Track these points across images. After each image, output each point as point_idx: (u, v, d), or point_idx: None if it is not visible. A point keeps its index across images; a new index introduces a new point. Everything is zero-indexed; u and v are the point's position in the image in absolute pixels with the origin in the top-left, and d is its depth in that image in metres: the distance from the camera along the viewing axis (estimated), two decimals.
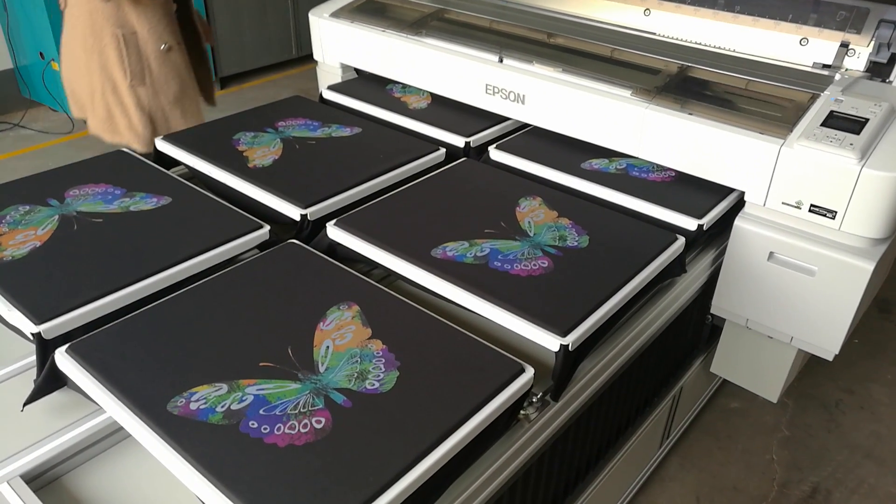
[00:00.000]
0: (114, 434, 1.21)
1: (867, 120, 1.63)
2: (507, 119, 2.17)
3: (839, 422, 2.45)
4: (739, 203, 1.80)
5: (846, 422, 2.45)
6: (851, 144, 1.58)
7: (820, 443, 2.36)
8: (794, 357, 1.93)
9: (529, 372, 1.20)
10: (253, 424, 1.07)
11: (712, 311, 1.92)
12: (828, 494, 2.18)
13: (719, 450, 2.32)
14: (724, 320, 1.97)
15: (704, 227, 1.69)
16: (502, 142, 2.06)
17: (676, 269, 1.62)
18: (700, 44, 2.11)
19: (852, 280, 1.63)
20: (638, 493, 2.12)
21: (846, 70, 1.91)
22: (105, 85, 2.22)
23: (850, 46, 1.91)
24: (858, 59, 1.91)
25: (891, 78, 1.87)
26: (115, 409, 1.11)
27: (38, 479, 1.13)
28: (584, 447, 1.60)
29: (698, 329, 2.06)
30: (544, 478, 1.45)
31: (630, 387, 1.70)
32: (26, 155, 4.14)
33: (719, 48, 2.07)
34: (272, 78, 5.44)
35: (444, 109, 2.24)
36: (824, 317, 1.71)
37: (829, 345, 1.75)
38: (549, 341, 1.28)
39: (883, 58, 1.88)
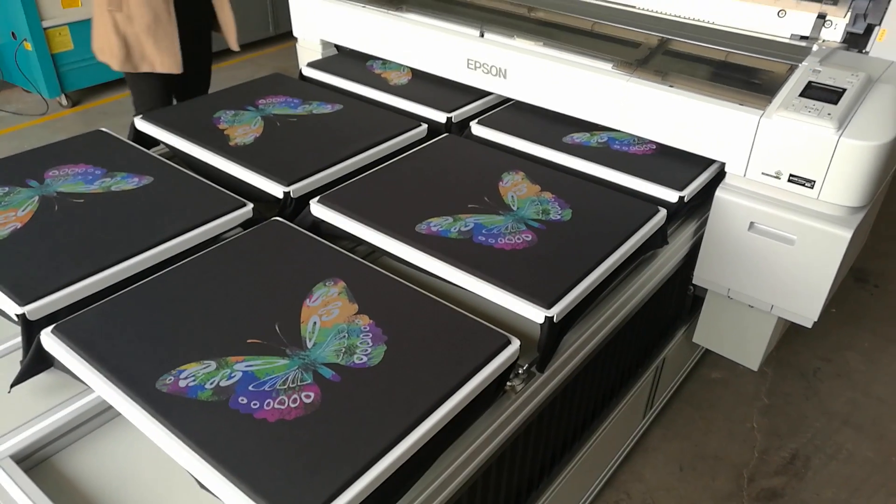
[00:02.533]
0: (102, 413, 1.21)
1: (844, 90, 1.65)
2: (489, 94, 2.17)
3: (817, 389, 2.50)
4: (720, 174, 1.82)
5: (824, 389, 2.50)
6: (829, 114, 1.60)
7: (799, 410, 2.41)
8: (773, 325, 1.96)
9: (515, 344, 1.22)
10: (242, 400, 1.08)
11: (694, 281, 1.95)
12: (807, 460, 2.23)
13: (701, 419, 2.36)
14: (705, 291, 2.00)
15: (685, 199, 1.70)
16: (484, 117, 2.06)
17: (658, 240, 1.64)
18: (679, 17, 2.11)
19: (831, 248, 1.66)
20: (622, 464, 2.16)
21: (823, 41, 1.93)
22: (96, 9, 2.50)
23: (827, 18, 1.93)
24: (835, 31, 1.93)
25: (867, 48, 1.89)
26: (103, 389, 1.11)
27: (28, 460, 1.13)
28: (570, 418, 1.63)
29: (680, 300, 2.09)
30: (531, 448, 1.48)
31: (614, 357, 1.73)
32: (1, 137, 4.06)
33: (699, 21, 2.08)
34: (249, 56, 5.37)
35: (426, 85, 2.24)
36: (803, 284, 1.75)
37: (808, 312, 1.79)
38: (534, 313, 1.29)
39: (859, 28, 1.89)
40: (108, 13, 2.44)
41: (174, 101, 2.80)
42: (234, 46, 2.79)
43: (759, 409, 2.42)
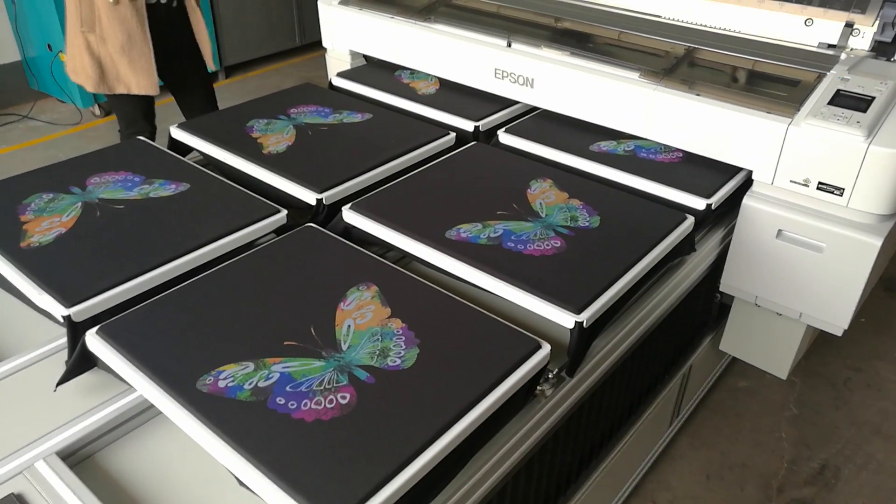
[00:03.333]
0: (144, 412, 1.25)
1: (873, 98, 1.65)
2: (516, 103, 2.20)
3: (847, 399, 2.48)
4: (747, 182, 1.82)
5: (854, 399, 2.48)
6: (858, 122, 1.60)
7: (828, 420, 2.39)
8: (802, 333, 1.95)
9: (546, 348, 1.24)
10: (280, 401, 1.11)
11: (721, 289, 1.95)
12: (836, 471, 2.21)
13: (728, 428, 2.35)
14: (732, 298, 2.00)
15: (713, 207, 1.71)
16: (511, 125, 2.08)
17: (686, 247, 1.65)
18: (706, 26, 2.12)
19: (860, 256, 1.66)
20: (648, 472, 2.16)
21: (851, 50, 1.93)
22: (69, 29, 2.46)
23: (855, 26, 1.93)
24: (863, 39, 1.93)
25: (895, 57, 1.88)
26: (146, 388, 1.15)
27: (72, 457, 1.17)
28: (598, 424, 1.64)
29: (707, 307, 2.09)
30: (559, 454, 1.49)
31: (641, 364, 1.74)
32: (36, 146, 4.17)
33: (725, 30, 2.09)
34: (276, 67, 5.46)
35: (453, 94, 2.27)
36: (833, 293, 1.74)
37: (838, 320, 1.78)
38: (565, 318, 1.31)
39: (887, 37, 1.89)
40: (80, 34, 2.41)
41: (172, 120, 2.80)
42: (211, 65, 2.76)
43: (788, 418, 2.40)
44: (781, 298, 1.83)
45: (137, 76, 2.47)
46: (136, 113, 2.67)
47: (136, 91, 2.50)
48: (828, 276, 1.73)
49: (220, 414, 1.08)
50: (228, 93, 4.92)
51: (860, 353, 2.68)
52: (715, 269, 1.90)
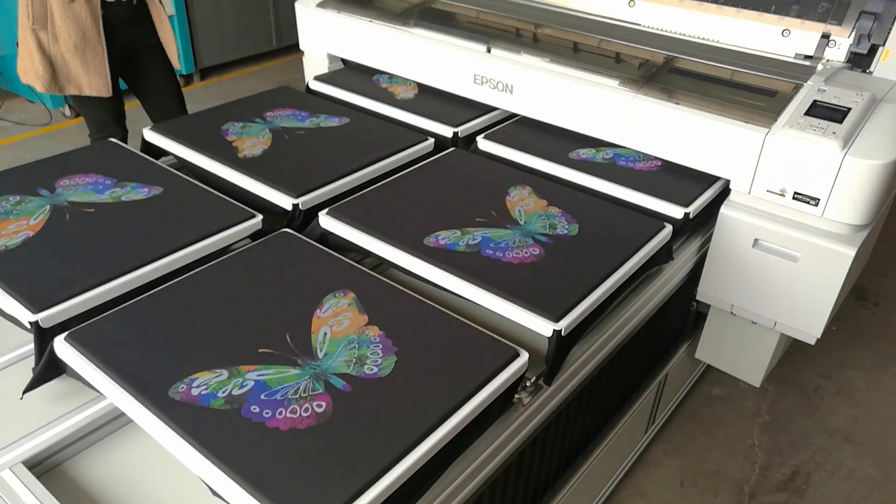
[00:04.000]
0: (114, 420, 1.22)
1: (849, 109, 1.67)
2: (496, 109, 2.19)
3: (818, 406, 2.51)
4: (725, 191, 1.83)
5: (825, 406, 2.51)
6: (834, 133, 1.62)
7: (800, 427, 2.42)
8: (776, 342, 1.97)
9: (524, 356, 1.23)
10: (255, 409, 1.08)
11: (698, 297, 1.96)
12: (807, 477, 2.23)
13: (702, 435, 2.37)
14: (708, 307, 2.02)
15: (691, 216, 1.72)
16: (490, 132, 2.08)
17: (664, 256, 1.66)
18: (685, 35, 2.14)
19: (834, 265, 1.68)
20: (624, 478, 2.16)
21: (827, 61, 1.96)
22: (20, 27, 2.38)
23: (832, 37, 1.95)
24: (839, 50, 1.95)
25: (871, 68, 1.91)
26: (117, 396, 1.12)
27: (39, 466, 1.13)
28: (575, 431, 1.63)
29: (684, 316, 2.10)
30: (537, 461, 1.48)
31: (619, 372, 1.74)
32: (5, 147, 4.08)
33: (704, 39, 2.11)
34: (252, 70, 5.41)
35: (432, 99, 2.26)
36: (807, 302, 1.76)
37: (811, 329, 1.80)
38: (543, 326, 1.30)
39: (863, 48, 1.92)
40: (31, 31, 2.33)
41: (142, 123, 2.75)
42: (177, 65, 2.71)
43: (761, 425, 2.42)
44: (757, 307, 1.85)
45: (90, 76, 2.41)
46: (104, 117, 2.61)
47: (87, 92, 2.44)
48: (802, 285, 1.74)
49: (193, 422, 1.05)
50: (204, 95, 4.87)
51: (831, 361, 2.72)
52: (692, 277, 1.91)
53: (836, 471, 2.26)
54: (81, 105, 2.59)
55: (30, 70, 2.40)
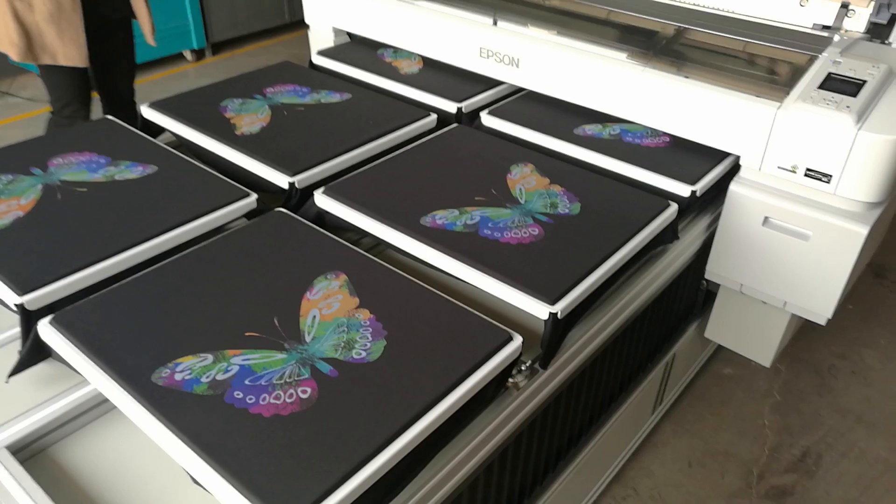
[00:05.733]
0: (99, 405, 1.21)
1: (864, 82, 1.60)
2: (501, 83, 2.14)
3: (831, 387, 2.46)
4: (734, 168, 1.77)
5: (838, 386, 2.46)
6: (848, 107, 1.55)
7: (812, 408, 2.37)
8: (787, 322, 1.92)
9: (517, 340, 1.20)
10: (238, 395, 1.06)
11: (706, 276, 1.91)
12: (818, 458, 2.19)
13: (712, 415, 2.33)
14: (718, 286, 1.97)
15: (698, 194, 1.67)
16: (494, 107, 2.02)
17: (669, 236, 1.61)
18: (697, 5, 2.06)
19: (846, 244, 1.62)
20: (631, 459, 2.13)
21: (846, 31, 1.88)
22: None
23: (850, 7, 1.87)
24: (858, 20, 1.87)
25: (890, 39, 1.83)
26: (99, 380, 1.10)
27: (23, 451, 1.13)
28: (576, 414, 1.60)
29: (693, 295, 2.05)
30: (535, 444, 1.46)
31: (622, 354, 1.70)
32: (15, 123, 4.08)
33: (717, 9, 2.03)
34: (264, 44, 5.36)
35: (437, 74, 2.20)
36: (818, 281, 1.70)
37: (822, 309, 1.74)
38: (538, 309, 1.27)
39: (883, 18, 1.84)
40: (6, 1, 2.30)
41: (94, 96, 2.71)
42: (150, 41, 2.63)
43: (772, 405, 2.38)
44: (767, 287, 1.80)
45: (65, 46, 2.37)
46: (71, 93, 2.56)
47: (62, 62, 2.40)
48: (813, 264, 1.69)
49: (175, 408, 1.04)
50: (215, 71, 4.84)
51: (846, 340, 2.66)
52: (700, 256, 1.85)
53: (847, 452, 2.22)
54: (50, 77, 2.54)
55: (4, 38, 2.37)
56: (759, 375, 2.48)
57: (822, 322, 1.77)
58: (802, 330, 2.61)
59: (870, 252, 1.80)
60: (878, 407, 2.38)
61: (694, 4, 2.07)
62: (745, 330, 2.02)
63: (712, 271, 1.89)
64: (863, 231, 1.58)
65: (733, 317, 2.02)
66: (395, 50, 2.38)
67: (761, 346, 2.03)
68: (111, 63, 2.69)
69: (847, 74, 1.63)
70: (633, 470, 2.13)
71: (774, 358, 2.04)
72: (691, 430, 2.28)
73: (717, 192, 1.78)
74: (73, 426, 1.18)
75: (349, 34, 2.54)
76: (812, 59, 1.73)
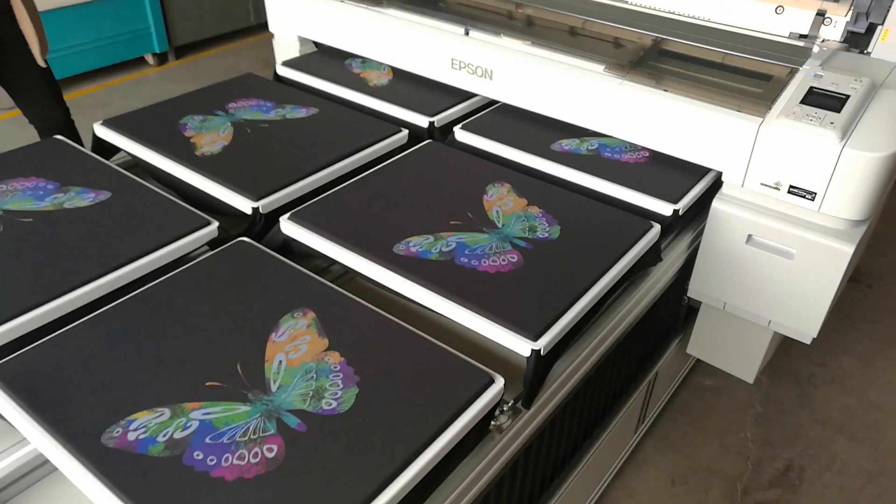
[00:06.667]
0: (42, 466, 1.10)
1: (848, 97, 1.56)
2: (474, 95, 2.06)
3: (811, 396, 2.43)
4: (716, 184, 1.72)
5: (818, 396, 2.43)
6: (832, 123, 1.50)
7: (793, 418, 2.34)
8: (770, 338, 1.88)
9: (499, 382, 1.12)
10: (198, 455, 0.98)
11: (689, 294, 1.86)
12: (801, 471, 2.16)
13: (694, 430, 2.29)
14: (700, 302, 1.92)
15: (680, 213, 1.61)
16: (468, 121, 1.95)
17: (651, 258, 1.55)
18: (674, 13, 2.01)
19: (831, 263, 1.58)
20: (613, 479, 2.08)
21: (823, 40, 1.83)
22: None
23: (827, 15, 1.83)
24: (835, 29, 1.83)
25: (869, 49, 1.80)
26: (41, 442, 1.00)
27: None
28: (559, 448, 1.54)
29: (674, 312, 2.00)
30: (518, 483, 1.39)
31: (605, 380, 1.64)
32: None
33: (694, 18, 1.98)
34: (229, 47, 5.22)
35: (407, 85, 2.12)
36: (803, 300, 1.66)
37: (807, 328, 1.70)
38: (520, 346, 1.20)
39: (861, 27, 1.80)
40: None
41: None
42: (40, 62, 2.46)
43: (753, 417, 2.34)
44: (750, 305, 1.75)
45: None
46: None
47: None
48: (798, 283, 1.64)
49: (128, 474, 0.95)
50: (178, 75, 4.69)
51: (825, 347, 2.63)
52: (683, 273, 1.80)
53: (829, 464, 2.19)
54: None
55: None
56: (739, 386, 2.45)
57: (807, 341, 1.74)
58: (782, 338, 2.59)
59: (853, 267, 1.77)
60: (858, 416, 2.35)
61: (671, 13, 2.01)
62: (728, 346, 1.98)
63: (695, 290, 1.84)
64: (848, 250, 1.54)
65: (716, 333, 1.98)
66: (364, 60, 2.29)
67: (744, 363, 1.99)
68: (17, 84, 2.53)
69: (829, 89, 1.58)
70: (616, 490, 2.08)
71: (757, 374, 2.00)
72: (673, 445, 2.23)
73: (700, 209, 1.73)
74: (11, 491, 1.07)
75: (315, 43, 2.44)
76: (793, 72, 1.69)
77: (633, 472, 2.14)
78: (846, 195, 1.52)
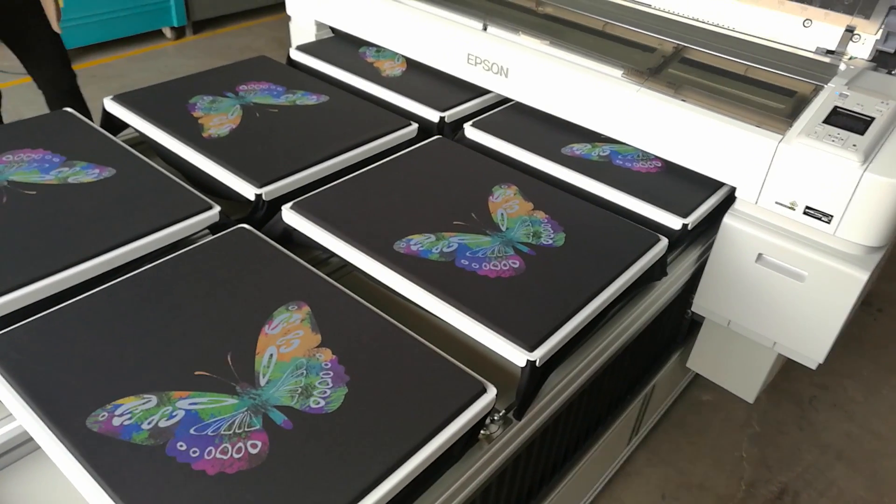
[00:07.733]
0: (29, 442, 1.09)
1: (873, 119, 1.52)
2: (488, 92, 2.03)
3: (811, 419, 2.40)
4: (729, 199, 1.69)
5: (819, 419, 2.40)
6: (855, 145, 1.47)
7: (791, 441, 2.31)
8: (774, 359, 1.85)
9: (491, 392, 1.10)
10: (181, 446, 0.96)
11: (693, 309, 1.83)
12: (795, 496, 2.13)
13: (688, 444, 2.26)
14: (703, 316, 1.89)
15: (689, 227, 1.58)
16: (479, 119, 1.92)
17: (657, 273, 1.52)
18: (698, 20, 1.96)
19: (844, 288, 1.54)
20: (603, 489, 2.06)
21: (850, 58, 1.79)
22: None
23: (856, 32, 1.79)
24: (863, 46, 1.79)
25: None
26: (27, 420, 0.99)
27: None
28: (549, 458, 1.51)
29: (677, 325, 1.97)
30: (505, 492, 1.37)
31: (600, 393, 1.61)
32: None
33: (718, 26, 1.94)
34: (247, 24, 5.19)
35: (420, 78, 2.09)
36: (811, 324, 1.63)
37: (813, 353, 1.67)
38: (516, 355, 1.17)
39: (890, 47, 1.75)
40: None
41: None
42: (56, 27, 2.45)
43: (750, 436, 2.31)
44: (756, 325, 1.72)
45: None
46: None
47: None
48: (807, 306, 1.61)
49: (109, 460, 0.93)
50: (194, 51, 4.67)
51: (828, 369, 2.59)
52: (688, 288, 1.77)
53: (825, 491, 2.16)
54: None
55: None
56: (737, 404, 2.41)
57: (813, 366, 1.70)
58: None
59: (865, 293, 1.73)
60: (859, 443, 2.32)
61: (695, 19, 1.97)
62: (730, 363, 1.95)
63: (700, 305, 1.80)
64: (862, 276, 1.50)
65: (718, 349, 1.94)
66: (379, 49, 2.26)
67: (746, 382, 1.95)
68: (28, 48, 2.52)
69: (854, 110, 1.54)
70: (605, 500, 2.06)
71: (758, 394, 1.97)
72: (666, 459, 2.20)
73: (710, 223, 1.69)
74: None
75: (332, 29, 2.41)
76: (817, 90, 1.65)
77: (624, 484, 2.11)
78: (864, 220, 1.49)
